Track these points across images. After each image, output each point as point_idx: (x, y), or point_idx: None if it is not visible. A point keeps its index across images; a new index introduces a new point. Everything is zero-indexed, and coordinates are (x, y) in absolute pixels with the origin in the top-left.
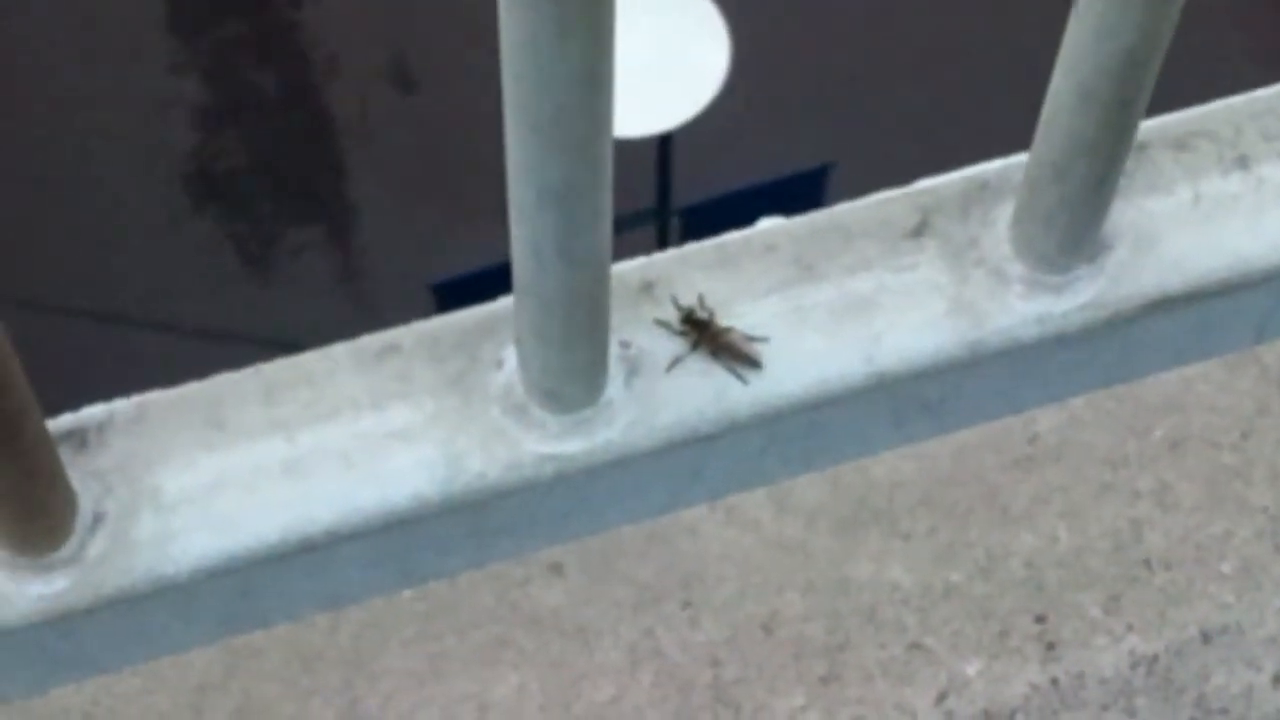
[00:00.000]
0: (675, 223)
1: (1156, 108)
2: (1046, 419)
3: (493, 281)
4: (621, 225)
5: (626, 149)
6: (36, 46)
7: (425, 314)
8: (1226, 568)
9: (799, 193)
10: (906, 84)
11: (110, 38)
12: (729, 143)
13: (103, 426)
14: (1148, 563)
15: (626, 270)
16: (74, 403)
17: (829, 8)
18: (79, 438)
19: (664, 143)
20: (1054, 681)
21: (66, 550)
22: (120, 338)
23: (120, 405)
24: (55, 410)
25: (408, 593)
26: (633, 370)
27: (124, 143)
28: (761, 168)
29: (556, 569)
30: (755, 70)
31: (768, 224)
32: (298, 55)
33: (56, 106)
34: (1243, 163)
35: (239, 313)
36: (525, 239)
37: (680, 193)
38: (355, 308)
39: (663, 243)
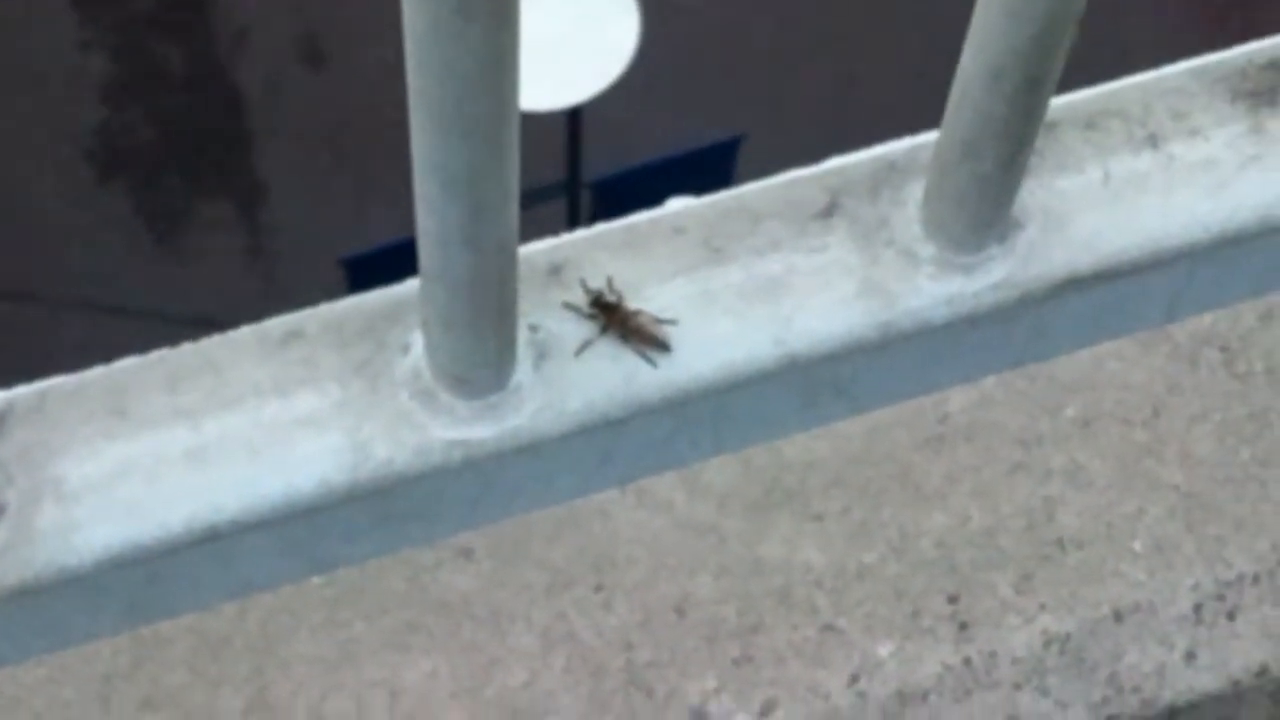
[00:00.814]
0: (585, 196)
1: (1065, 86)
2: (958, 398)
3: (403, 256)
4: (531, 200)
5: (536, 123)
6: None
7: (336, 289)
8: (1138, 546)
9: (708, 166)
10: (816, 58)
11: (15, 11)
12: (639, 116)
13: (2, 415)
14: (1060, 542)
15: (534, 253)
16: None
17: None
18: None
19: (573, 116)
20: (967, 661)
21: None
22: (29, 316)
23: (20, 393)
24: None
25: (316, 579)
26: (541, 354)
27: (30, 119)
28: (671, 141)
29: (467, 553)
30: (665, 44)
31: (677, 204)
32: (206, 30)
33: None
34: (1152, 141)
35: (149, 289)
36: (430, 227)
37: (590, 166)
38: (266, 283)
39: (573, 217)
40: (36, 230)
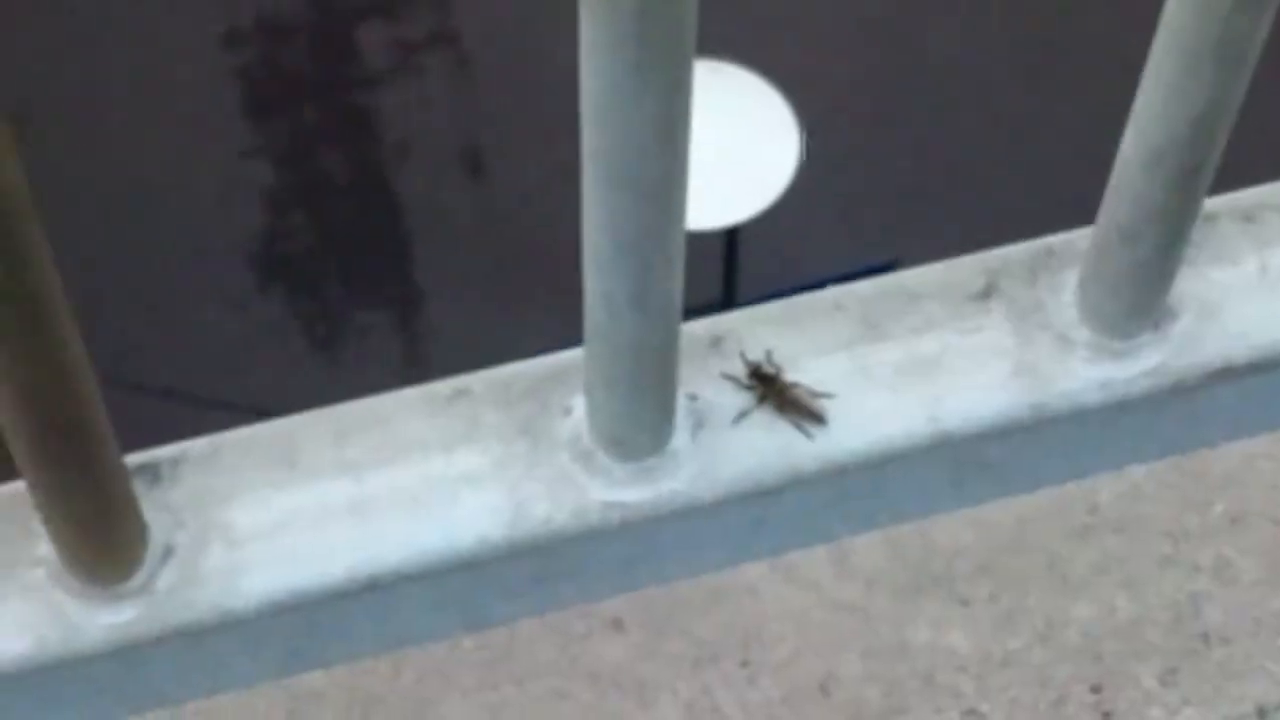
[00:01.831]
0: None
1: (1226, 185)
2: (1108, 489)
3: None
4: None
5: (694, 241)
6: (112, 127)
7: None
8: None
9: None
10: (976, 181)
11: (184, 120)
12: (797, 237)
13: (176, 462)
14: (1205, 636)
15: (696, 325)
16: None
17: (900, 104)
18: (152, 472)
19: (731, 236)
20: None
21: (136, 581)
22: (187, 416)
23: (194, 443)
24: None
25: (469, 641)
26: (699, 422)
27: (196, 224)
28: (828, 263)
29: (617, 624)
30: (825, 165)
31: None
32: (370, 140)
33: (131, 187)
34: None
35: (305, 394)
36: (598, 287)
37: (746, 286)
38: None
39: None
40: (194, 331)
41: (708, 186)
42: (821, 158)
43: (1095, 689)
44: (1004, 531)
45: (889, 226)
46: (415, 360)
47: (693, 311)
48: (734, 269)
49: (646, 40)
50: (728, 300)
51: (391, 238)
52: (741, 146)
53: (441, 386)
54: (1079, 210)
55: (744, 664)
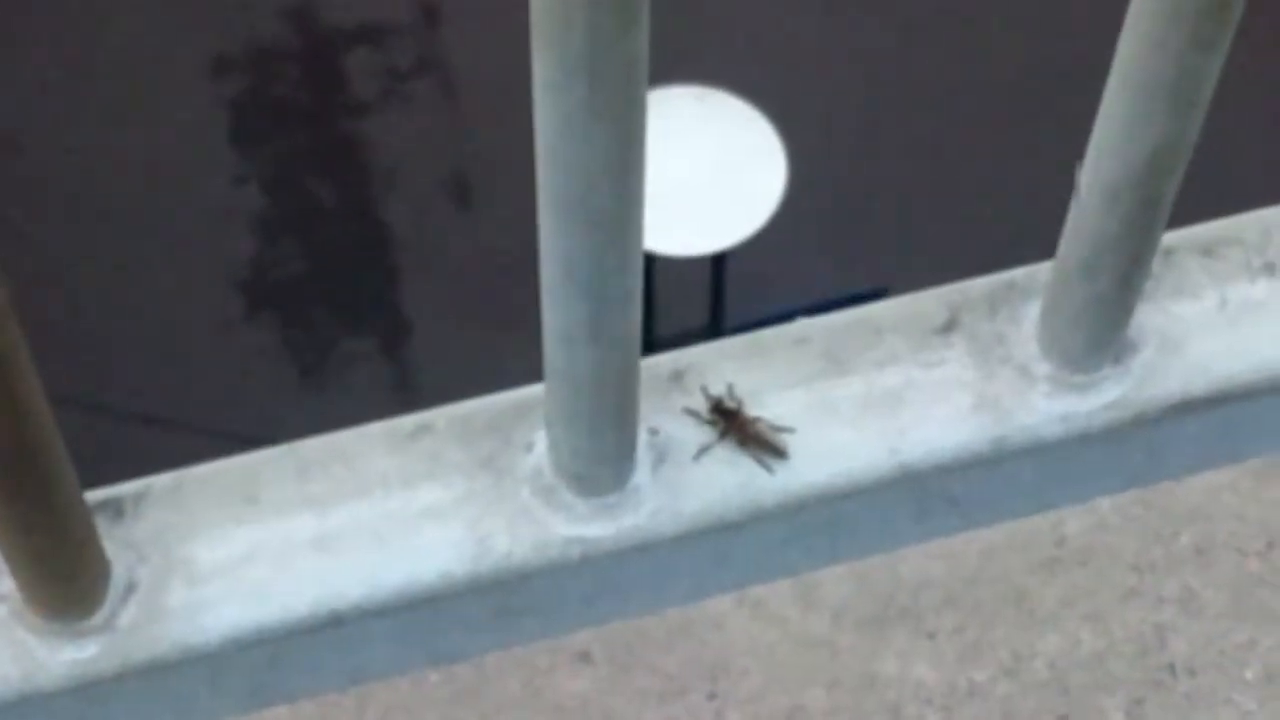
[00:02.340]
0: None
1: (1185, 219)
2: (1074, 522)
3: None
4: (673, 343)
5: (680, 268)
6: (98, 154)
7: None
8: (1250, 675)
9: None
10: (963, 209)
11: (172, 148)
12: (784, 263)
13: (139, 498)
14: (1171, 668)
15: (657, 360)
16: None
17: (888, 131)
18: (115, 507)
19: (718, 262)
20: None
21: (98, 617)
22: (173, 443)
23: (157, 478)
24: None
25: (434, 676)
26: (660, 457)
27: (183, 250)
28: (815, 289)
29: (584, 657)
30: (812, 191)
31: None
32: (357, 168)
33: (118, 214)
34: (1270, 269)
35: (291, 421)
36: (555, 321)
37: (733, 312)
38: None
39: None
40: (182, 358)
41: (694, 212)
42: (808, 184)
43: None
44: (970, 564)
45: (877, 253)
46: (403, 388)
47: (679, 338)
48: (721, 295)
49: (597, 77)
50: (714, 326)
51: (379, 266)
52: (728, 172)
53: (404, 422)
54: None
55: (711, 697)
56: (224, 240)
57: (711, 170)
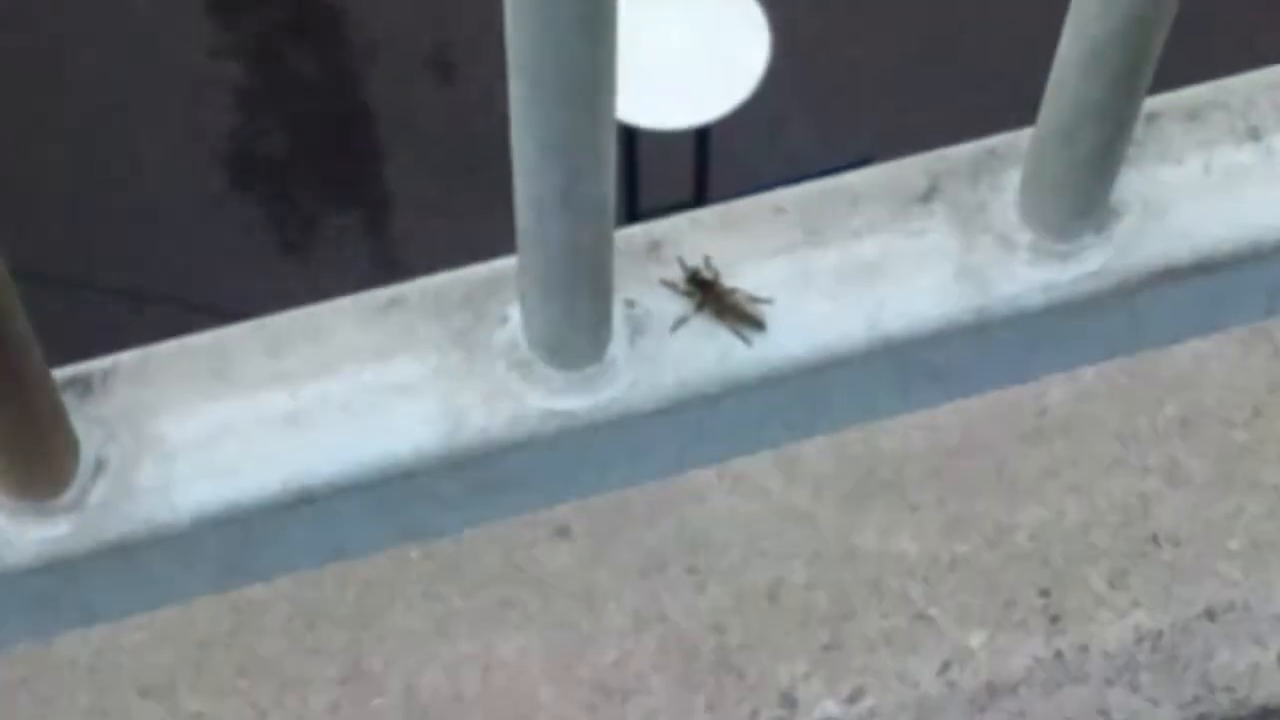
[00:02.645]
0: None
1: (1168, 83)
2: (1057, 392)
3: None
4: (658, 217)
5: (663, 141)
6: (76, 30)
7: None
8: (1235, 545)
9: None
10: (948, 75)
11: (150, 20)
12: (768, 136)
13: (107, 375)
14: (1155, 538)
15: (633, 231)
16: None
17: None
18: (83, 384)
19: (702, 135)
20: (1058, 655)
21: (68, 496)
22: (157, 318)
23: (125, 355)
24: None
25: (414, 552)
26: (637, 329)
27: (164, 125)
28: (800, 161)
29: (563, 532)
30: (795, 63)
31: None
32: (338, 41)
33: (97, 89)
34: (1255, 133)
35: (276, 296)
36: (527, 190)
37: (717, 186)
38: None
39: None
40: (165, 234)
41: (677, 85)
42: (792, 55)
43: (1044, 593)
44: (952, 436)
45: (862, 125)
46: (386, 263)
47: (663, 212)
48: (704, 169)
49: None
50: (698, 200)
51: (362, 140)
52: (710, 44)
53: (375, 296)
54: None
55: (691, 570)
56: (203, 114)
57: (694, 43)
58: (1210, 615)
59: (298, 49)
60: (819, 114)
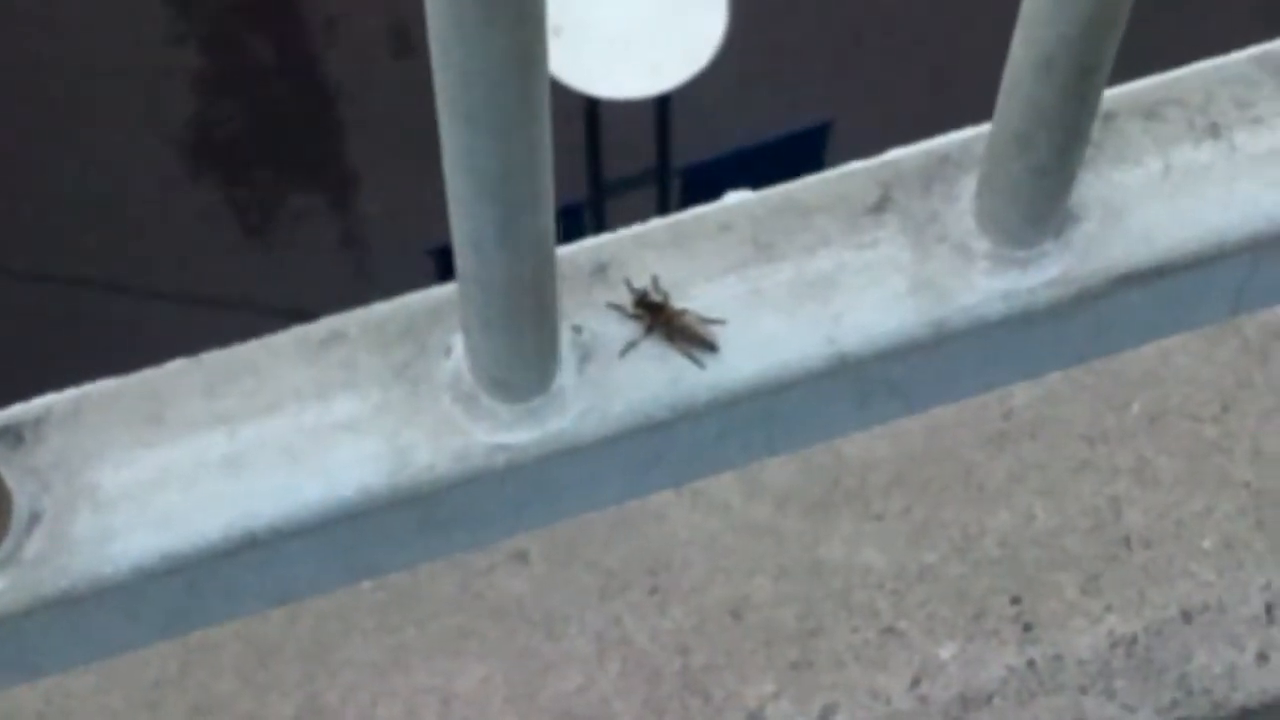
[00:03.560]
0: (676, 183)
1: (1123, 76)
2: (1022, 394)
3: None
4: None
5: (624, 110)
6: (34, 16)
7: (426, 279)
8: (1208, 544)
9: (800, 151)
10: (909, 38)
11: (106, 6)
12: (728, 102)
13: (39, 422)
14: (1127, 541)
15: (578, 252)
16: (75, 372)
17: None
18: (14, 434)
19: (662, 104)
20: (1031, 664)
21: (2, 550)
22: (118, 307)
23: (57, 400)
24: (59, 379)
25: (367, 583)
26: (585, 356)
27: (122, 111)
28: (762, 126)
29: (521, 556)
30: (754, 29)
31: (735, 198)
32: (295, 21)
33: (55, 76)
34: (1214, 131)
35: (240, 280)
36: (464, 228)
37: (680, 154)
38: (357, 274)
39: (663, 204)
40: (128, 222)
41: (636, 55)
42: (750, 19)
43: (1015, 600)
44: (916, 441)
45: (822, 88)
46: (352, 244)
47: (629, 182)
48: (666, 137)
49: None
50: (662, 169)
51: (323, 120)
52: (668, 12)
53: (314, 330)
54: None
55: (653, 591)
56: (162, 101)
57: (652, 11)
58: (1185, 617)
59: (254, 31)
60: (779, 78)
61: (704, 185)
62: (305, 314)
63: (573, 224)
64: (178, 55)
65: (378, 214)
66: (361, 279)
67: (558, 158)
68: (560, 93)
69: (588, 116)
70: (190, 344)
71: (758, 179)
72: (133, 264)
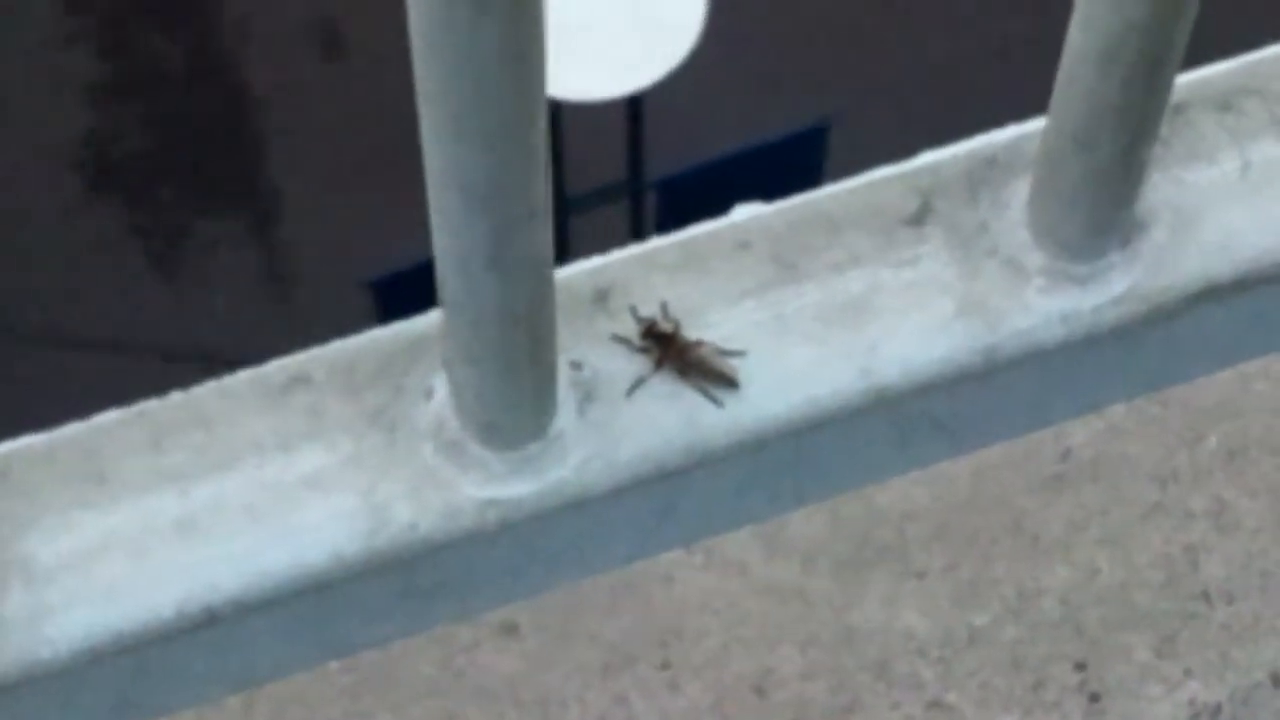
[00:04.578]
0: (650, 197)
1: (1195, 60)
2: (1081, 431)
3: None
4: (589, 202)
5: (591, 114)
6: None
7: (364, 317)
8: None
9: (792, 160)
10: (905, 30)
11: None
12: (707, 103)
13: None
14: (1205, 595)
15: (576, 276)
16: None
17: None
18: None
19: (634, 105)
20: None
21: None
22: (6, 353)
23: None
24: None
25: (334, 663)
26: (587, 396)
27: (8, 126)
28: (745, 131)
29: (510, 629)
30: (736, 18)
31: (744, 212)
32: (205, 19)
33: None
34: None
35: (146, 321)
36: (450, 250)
37: (655, 163)
38: (282, 311)
39: (636, 221)
40: (12, 253)
41: (604, 50)
42: (732, 7)
43: (1080, 666)
44: (960, 487)
45: (814, 86)
46: (274, 277)
47: (597, 196)
48: (639, 143)
49: None
50: (634, 178)
51: (238, 134)
52: (641, 3)
53: (272, 372)
54: (1032, 50)
55: (664, 666)
56: (55, 113)
57: (620, 2)
58: (1275, 681)
59: (158, 32)
60: (764, 76)
61: (682, 199)
62: (222, 360)
63: None
64: (70, 60)
65: (305, 241)
66: (287, 318)
67: None
68: None
69: (548, 121)
70: (86, 399)
71: (745, 191)
72: (16, 302)
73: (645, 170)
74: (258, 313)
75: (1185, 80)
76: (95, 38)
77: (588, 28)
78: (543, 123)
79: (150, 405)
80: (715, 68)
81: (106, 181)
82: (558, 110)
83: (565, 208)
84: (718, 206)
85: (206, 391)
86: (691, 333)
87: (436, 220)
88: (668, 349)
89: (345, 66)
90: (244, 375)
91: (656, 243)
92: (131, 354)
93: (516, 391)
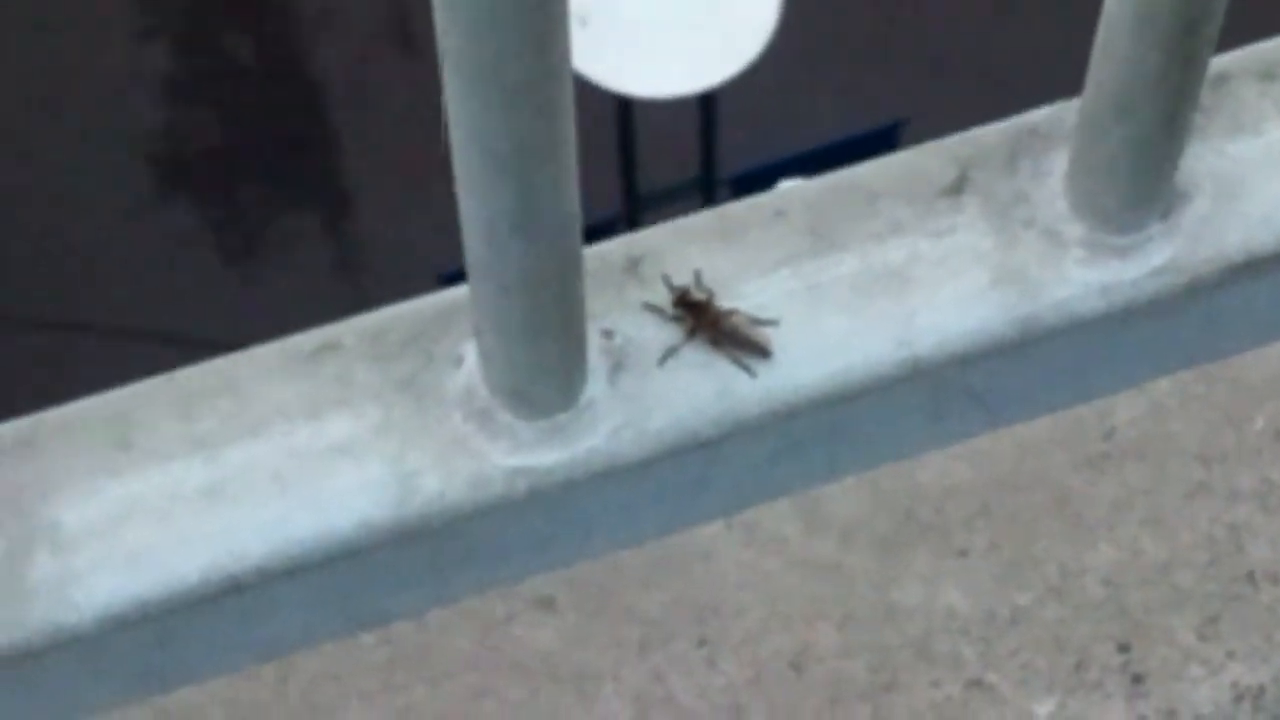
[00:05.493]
0: (723, 194)
1: (1238, 31)
2: (1125, 408)
3: None
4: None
5: (664, 112)
6: None
7: None
8: None
9: (861, 157)
10: (988, 28)
11: (68, 2)
12: (780, 101)
13: None
14: (1251, 576)
15: (608, 247)
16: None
17: None
18: None
19: (707, 103)
20: None
21: None
22: (81, 349)
23: (8, 427)
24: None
25: (368, 637)
26: (618, 364)
27: (82, 122)
28: (818, 129)
29: (546, 604)
30: (810, 15)
31: (787, 186)
32: (283, 15)
33: (7, 82)
34: None
35: (221, 316)
36: (475, 213)
37: (727, 161)
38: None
39: None
40: (91, 251)
41: (677, 48)
42: (806, 5)
43: (1123, 648)
44: (1004, 465)
45: (888, 86)
46: (348, 269)
47: (670, 194)
48: (712, 140)
49: None
50: (707, 175)
51: (313, 129)
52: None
53: (303, 340)
54: None
55: (701, 643)
56: (130, 108)
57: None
58: None
59: (234, 27)
60: (837, 73)
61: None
62: None
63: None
64: (146, 55)
65: (380, 236)
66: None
67: (586, 166)
68: (588, 91)
69: (620, 118)
70: None
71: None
72: (95, 299)
73: (718, 167)
74: (332, 307)
75: (1228, 54)
76: (171, 33)
77: (661, 25)
78: (567, 81)
79: (179, 373)
80: (789, 65)
81: (181, 177)
82: (630, 108)
83: (638, 205)
84: None
85: (236, 359)
86: (725, 302)
87: (461, 182)
88: (700, 318)
89: (418, 62)
90: (273, 344)
91: (691, 215)
92: (205, 349)
93: (545, 359)
